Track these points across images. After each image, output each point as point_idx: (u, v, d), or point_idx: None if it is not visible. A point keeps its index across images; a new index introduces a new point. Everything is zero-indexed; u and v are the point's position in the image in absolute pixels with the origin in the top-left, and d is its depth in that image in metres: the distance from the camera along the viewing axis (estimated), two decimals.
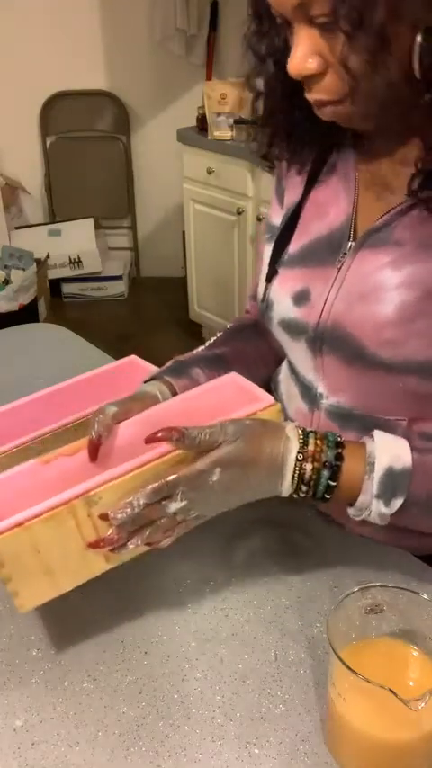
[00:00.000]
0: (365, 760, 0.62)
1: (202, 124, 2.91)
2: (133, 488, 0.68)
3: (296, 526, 0.91)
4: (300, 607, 0.79)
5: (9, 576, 0.67)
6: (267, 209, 0.96)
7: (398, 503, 0.71)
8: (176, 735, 0.66)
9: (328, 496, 0.72)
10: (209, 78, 3.41)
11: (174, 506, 0.69)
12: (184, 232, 3.23)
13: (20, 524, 0.66)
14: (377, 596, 0.65)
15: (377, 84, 0.67)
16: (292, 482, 0.71)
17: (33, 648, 0.75)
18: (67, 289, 3.82)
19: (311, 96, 0.72)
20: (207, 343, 1.00)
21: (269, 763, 0.63)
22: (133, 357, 1.03)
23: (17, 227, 3.72)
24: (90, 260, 3.75)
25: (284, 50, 0.72)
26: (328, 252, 0.82)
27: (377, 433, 0.74)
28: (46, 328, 1.81)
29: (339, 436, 0.73)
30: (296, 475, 0.71)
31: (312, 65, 0.69)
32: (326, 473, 0.71)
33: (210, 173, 2.87)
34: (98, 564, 0.71)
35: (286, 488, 0.72)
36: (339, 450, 0.72)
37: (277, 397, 0.95)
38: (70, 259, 3.73)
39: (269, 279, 0.88)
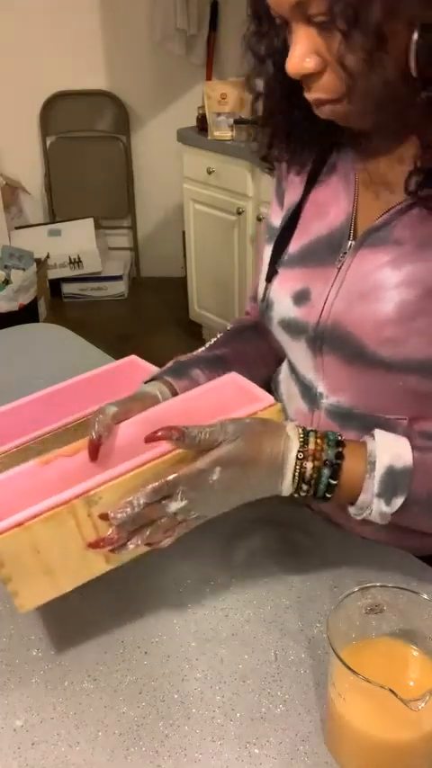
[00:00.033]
0: (365, 760, 0.62)
1: (202, 124, 2.91)
2: (133, 488, 0.68)
3: (296, 526, 0.91)
4: (300, 607, 0.79)
5: (9, 576, 0.67)
6: (267, 210, 0.96)
7: (399, 501, 0.71)
8: (176, 735, 0.66)
9: (328, 495, 0.72)
10: (209, 78, 3.41)
11: (174, 506, 0.69)
12: (184, 232, 3.23)
13: (20, 524, 0.66)
14: (377, 596, 0.65)
15: (374, 83, 0.67)
16: (293, 481, 0.71)
17: (33, 648, 0.75)
18: (67, 289, 3.82)
19: (310, 96, 0.72)
20: (207, 345, 1.00)
21: (269, 763, 0.63)
22: (133, 357, 1.03)
23: (17, 227, 3.72)
24: (90, 260, 3.75)
25: (283, 51, 0.72)
26: (328, 251, 0.82)
27: (378, 432, 0.74)
28: (46, 328, 1.81)
29: (340, 435, 0.73)
30: (297, 474, 0.71)
31: (310, 64, 0.69)
32: (326, 472, 0.71)
33: (210, 173, 2.87)
34: (98, 564, 0.71)
35: (287, 487, 0.72)
36: (340, 449, 0.72)
37: (277, 398, 0.95)
38: (70, 259, 3.74)
39: (269, 279, 0.88)
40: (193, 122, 3.02)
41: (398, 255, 0.75)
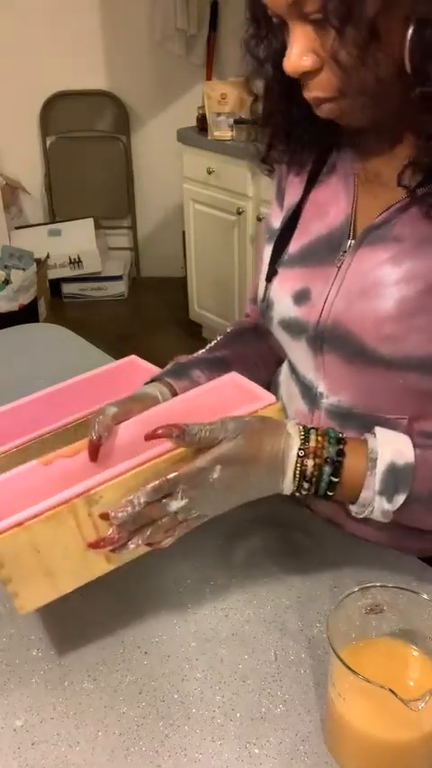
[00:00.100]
0: (365, 760, 0.62)
1: (202, 124, 2.91)
2: (134, 487, 0.68)
3: (296, 526, 0.91)
4: (300, 607, 0.79)
5: (9, 576, 0.67)
6: (267, 210, 0.96)
7: (400, 498, 0.71)
8: (176, 735, 0.66)
9: (330, 493, 0.72)
10: (209, 78, 3.41)
11: (174, 505, 0.69)
12: (184, 232, 3.23)
13: (19, 524, 0.66)
14: (377, 596, 0.65)
15: (368, 79, 0.67)
16: (294, 479, 0.71)
17: (33, 649, 0.75)
18: (67, 289, 3.82)
19: (308, 94, 0.72)
20: (207, 347, 1.00)
21: (269, 763, 0.63)
22: (133, 357, 1.03)
23: (17, 227, 3.72)
24: (90, 260, 3.75)
25: (282, 52, 0.72)
26: (328, 251, 0.82)
27: (378, 430, 0.74)
28: (46, 328, 1.81)
29: (341, 432, 0.73)
30: (298, 471, 0.70)
31: (307, 62, 0.69)
32: (327, 469, 0.71)
33: (210, 173, 2.87)
34: (99, 565, 0.71)
35: (288, 485, 0.71)
36: (341, 446, 0.71)
37: (278, 398, 0.95)
38: (70, 259, 3.74)
39: (269, 278, 0.88)
40: (193, 122, 3.02)
41: (398, 252, 0.75)
